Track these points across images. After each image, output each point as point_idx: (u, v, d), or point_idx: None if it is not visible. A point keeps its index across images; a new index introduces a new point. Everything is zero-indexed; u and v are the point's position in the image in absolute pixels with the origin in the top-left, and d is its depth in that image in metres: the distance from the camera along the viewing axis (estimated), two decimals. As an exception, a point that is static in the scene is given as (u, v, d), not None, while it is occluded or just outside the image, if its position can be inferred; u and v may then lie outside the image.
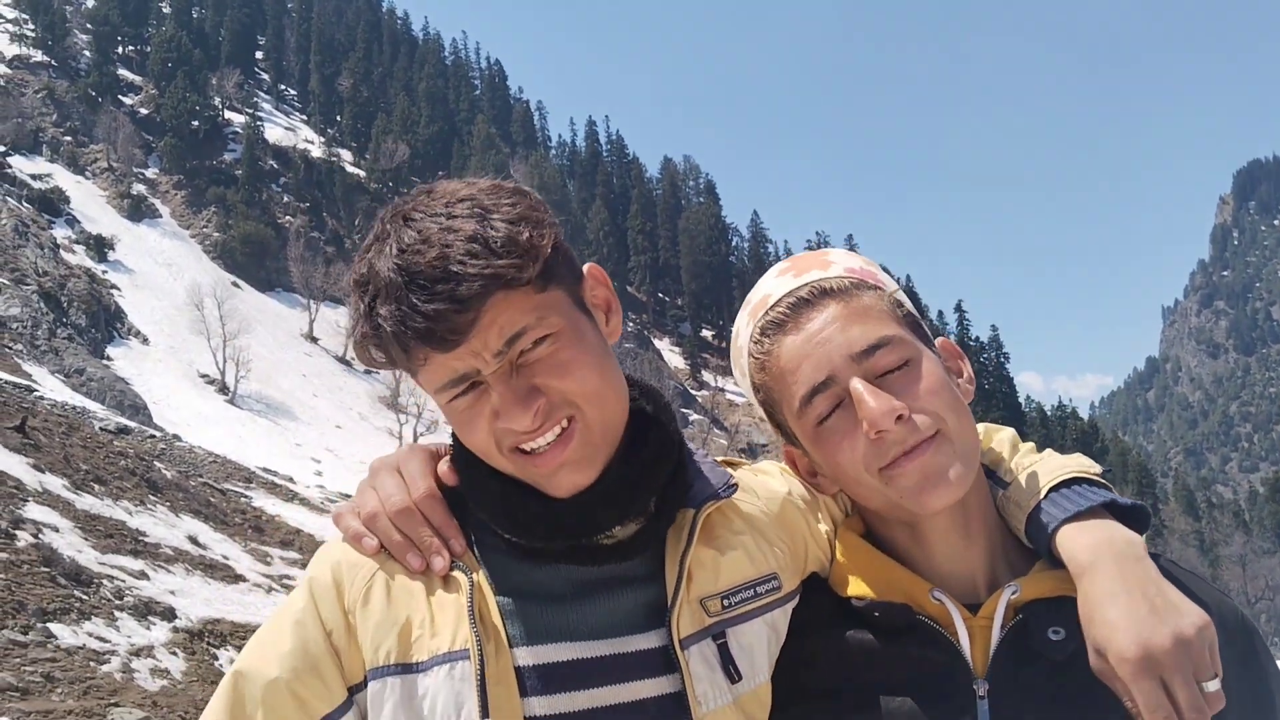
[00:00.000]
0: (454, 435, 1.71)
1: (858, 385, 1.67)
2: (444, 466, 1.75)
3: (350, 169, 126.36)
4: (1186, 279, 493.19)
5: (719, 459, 1.88)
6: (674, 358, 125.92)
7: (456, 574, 1.63)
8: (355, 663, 1.61)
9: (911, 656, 1.72)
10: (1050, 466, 1.84)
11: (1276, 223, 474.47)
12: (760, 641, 1.73)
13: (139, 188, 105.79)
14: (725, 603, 1.69)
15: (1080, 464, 1.85)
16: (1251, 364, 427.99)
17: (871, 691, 1.73)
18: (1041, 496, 1.78)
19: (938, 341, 1.85)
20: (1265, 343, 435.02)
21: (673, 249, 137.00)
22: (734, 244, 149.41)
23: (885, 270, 1.88)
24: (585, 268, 1.71)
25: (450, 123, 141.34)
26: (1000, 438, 1.99)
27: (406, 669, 1.59)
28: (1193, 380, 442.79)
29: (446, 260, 1.48)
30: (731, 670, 1.66)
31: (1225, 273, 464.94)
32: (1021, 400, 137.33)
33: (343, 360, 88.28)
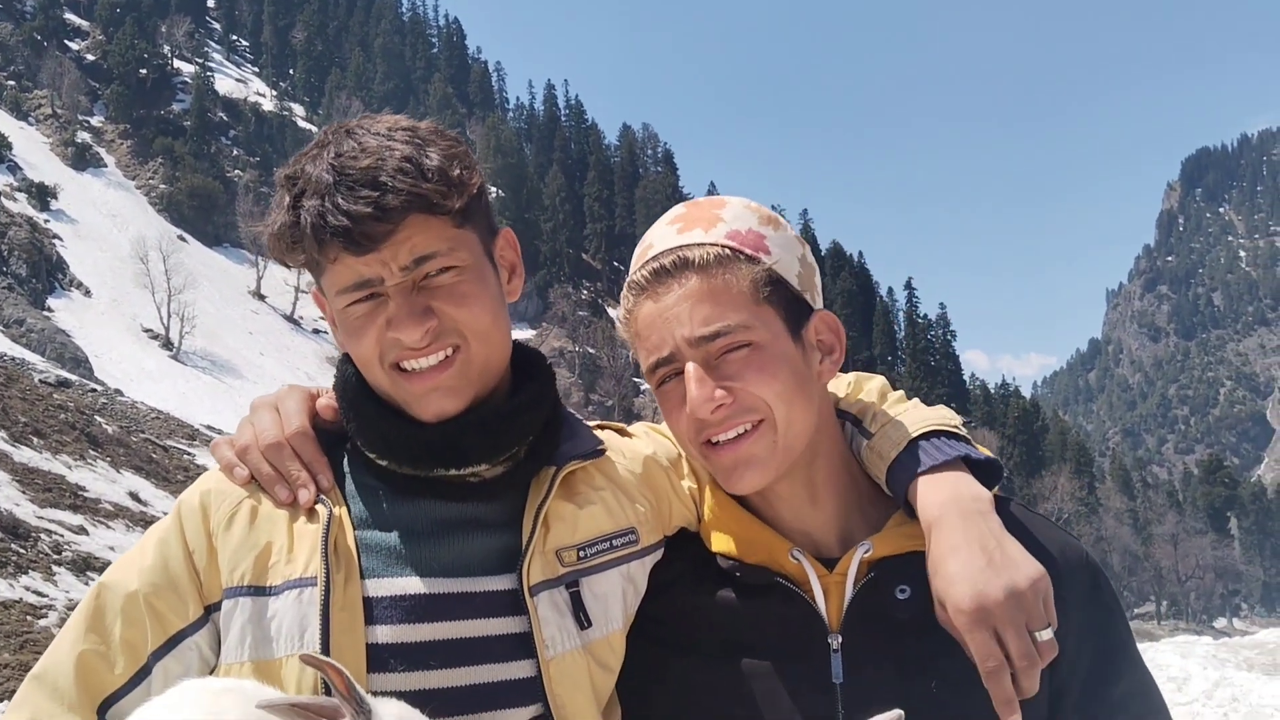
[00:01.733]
0: (343, 355, 1.82)
1: (690, 370, 1.77)
2: (323, 402, 1.85)
3: (302, 124, 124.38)
4: (1132, 263, 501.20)
5: (593, 423, 1.98)
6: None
7: (319, 507, 1.71)
8: (214, 583, 1.68)
9: (771, 614, 1.81)
10: (913, 419, 1.91)
11: (1221, 210, 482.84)
12: (615, 592, 1.81)
13: (84, 136, 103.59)
14: (581, 554, 1.78)
15: (942, 416, 1.92)
16: (1191, 348, 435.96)
17: (731, 647, 1.81)
18: (902, 448, 1.84)
19: (818, 316, 1.88)
20: (1205, 328, 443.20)
21: (629, 218, 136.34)
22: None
23: (786, 222, 1.92)
24: (503, 232, 1.83)
25: (406, 80, 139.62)
26: (870, 387, 2.05)
27: (259, 591, 1.66)
28: (1133, 363, 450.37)
29: (378, 170, 1.60)
30: (582, 617, 1.75)
31: (1170, 258, 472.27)
32: (966, 378, 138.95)
33: (291, 319, 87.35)
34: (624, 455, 1.95)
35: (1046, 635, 1.62)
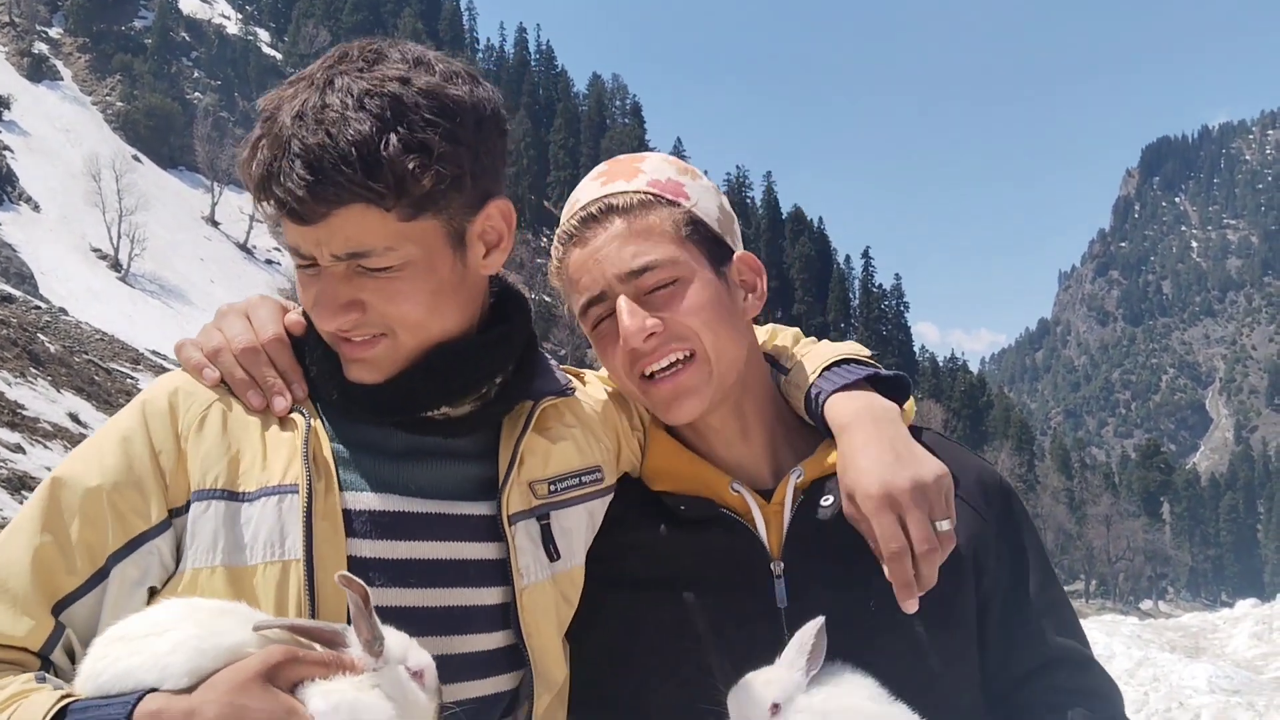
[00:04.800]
0: None
1: (621, 303, 1.86)
2: (293, 317, 1.80)
3: (267, 50, 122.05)
4: (1085, 246, 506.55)
5: (563, 367, 2.01)
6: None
7: (295, 416, 1.68)
8: (180, 486, 1.61)
9: (716, 545, 1.89)
10: (823, 352, 2.05)
11: (1177, 200, 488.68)
12: (580, 527, 1.87)
13: (41, 47, 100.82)
14: (551, 488, 1.82)
15: (852, 349, 2.06)
16: (1138, 334, 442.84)
17: (679, 579, 1.89)
18: (816, 376, 1.98)
19: (738, 255, 2.00)
20: (1153, 315, 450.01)
21: (593, 167, 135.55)
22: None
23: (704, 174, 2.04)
24: (495, 204, 1.73)
25: (376, 13, 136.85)
26: (784, 334, 2.18)
27: (232, 496, 1.61)
28: (1080, 345, 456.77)
29: (322, 153, 1.52)
30: (551, 549, 1.80)
31: (1123, 244, 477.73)
32: (916, 350, 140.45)
33: (244, 248, 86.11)
34: (588, 396, 2.00)
35: (946, 526, 1.74)
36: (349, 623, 1.49)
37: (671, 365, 1.88)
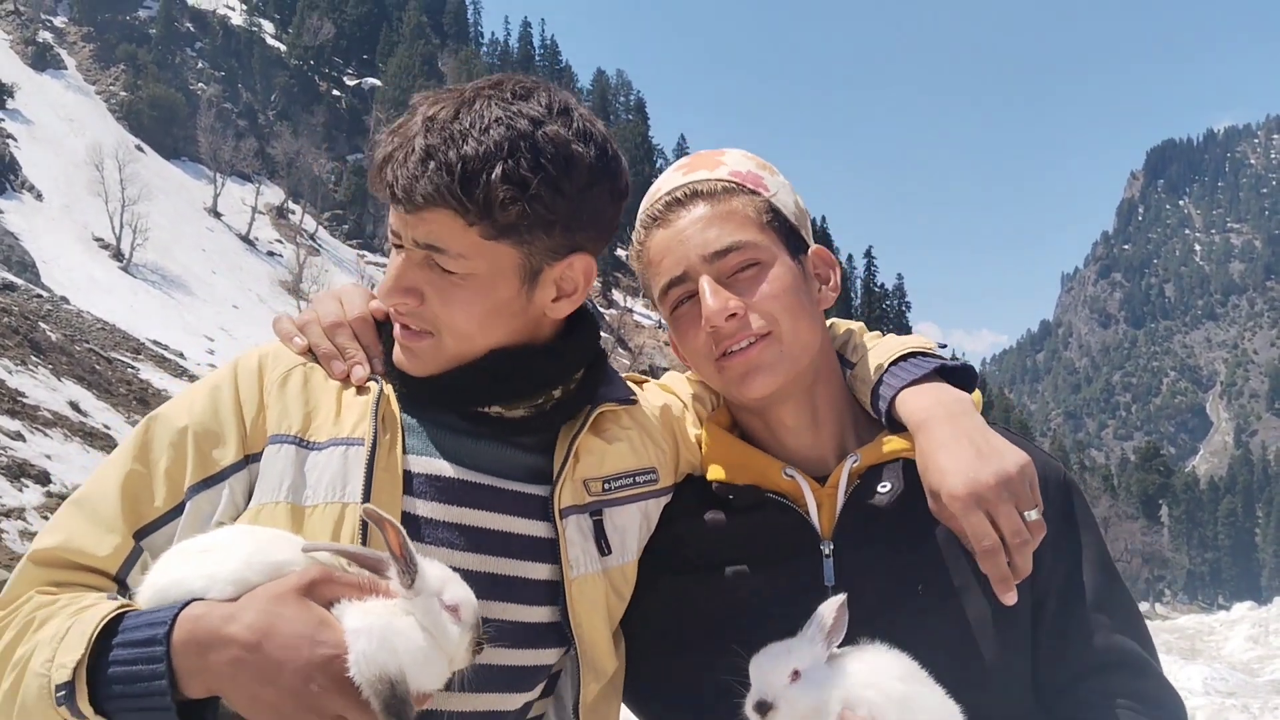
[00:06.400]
0: None
1: (704, 283, 1.91)
2: (378, 304, 1.94)
3: (271, 42, 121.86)
4: (1089, 248, 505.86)
5: (624, 375, 2.10)
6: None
7: (370, 383, 1.83)
8: (259, 435, 1.78)
9: (764, 526, 1.94)
10: (889, 345, 2.09)
11: (1181, 203, 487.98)
12: (633, 525, 1.96)
13: (45, 35, 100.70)
14: (606, 486, 1.91)
15: (918, 341, 2.08)
16: (1139, 337, 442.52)
17: (729, 559, 1.95)
18: (884, 370, 2.02)
19: (813, 250, 2.06)
20: (1155, 318, 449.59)
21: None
22: (658, 165, 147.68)
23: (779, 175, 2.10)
24: (580, 257, 1.82)
25: (380, 6, 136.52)
26: (849, 327, 2.21)
27: (303, 444, 1.77)
28: (1081, 347, 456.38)
29: (434, 156, 1.68)
30: (603, 544, 1.89)
31: (1126, 246, 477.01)
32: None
33: (246, 239, 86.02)
34: (646, 403, 2.08)
35: (1034, 515, 1.75)
36: None
37: (749, 345, 1.92)
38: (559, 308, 1.87)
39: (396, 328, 1.83)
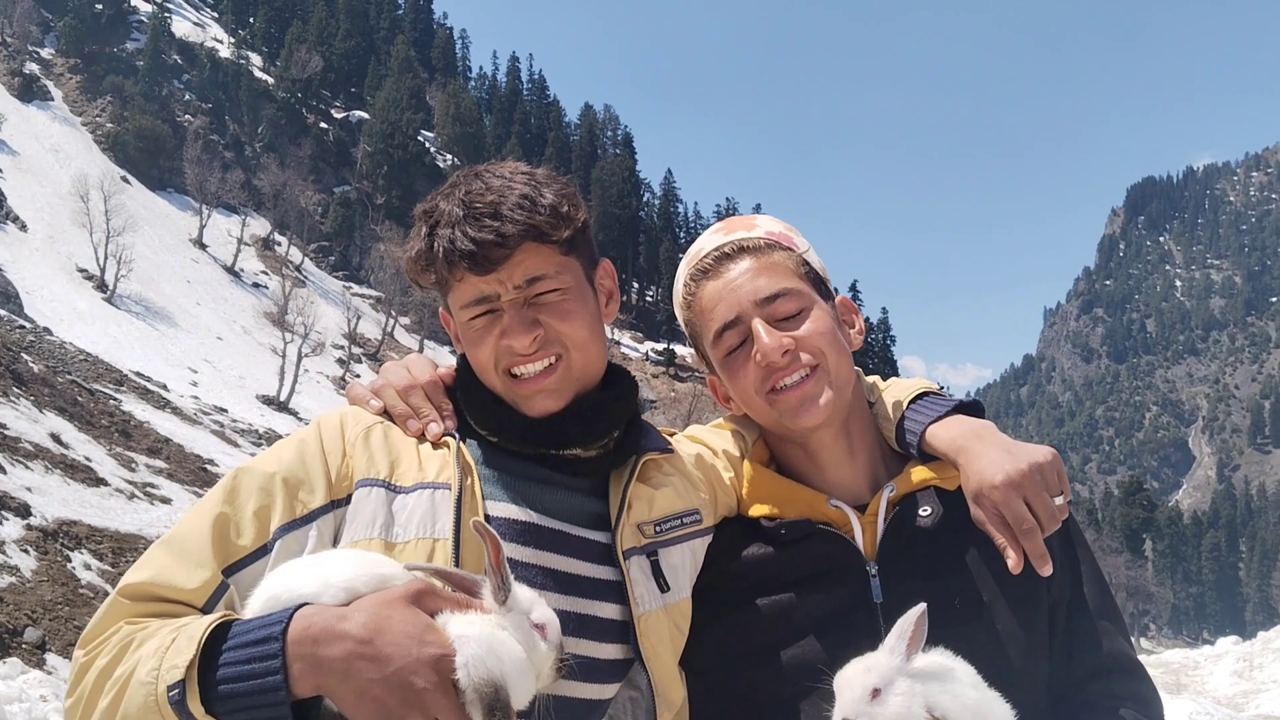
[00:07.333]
0: (460, 357, 2.13)
1: (758, 325, 2.16)
2: (445, 370, 2.16)
3: (259, 74, 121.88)
4: (1071, 284, 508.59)
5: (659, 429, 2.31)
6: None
7: (448, 439, 2.01)
8: (344, 482, 1.91)
9: (813, 554, 2.13)
10: (902, 389, 2.37)
11: (1161, 240, 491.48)
12: (684, 563, 2.13)
13: (32, 67, 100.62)
14: (657, 529, 2.09)
15: (924, 384, 2.38)
16: (1121, 371, 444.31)
17: (781, 585, 2.13)
18: (904, 410, 2.29)
19: (838, 299, 2.33)
20: (1136, 353, 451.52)
21: (585, 197, 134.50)
22: (645, 200, 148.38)
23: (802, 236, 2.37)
24: (605, 263, 2.18)
25: (369, 39, 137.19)
26: (864, 377, 2.44)
27: (391, 488, 1.92)
28: (1064, 381, 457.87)
29: (500, 205, 1.94)
30: (661, 582, 2.05)
31: (1108, 282, 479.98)
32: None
33: (231, 271, 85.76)
34: (684, 451, 2.27)
35: (1062, 500, 2.03)
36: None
37: (801, 379, 2.15)
38: (610, 311, 2.17)
39: (528, 376, 2.00)
